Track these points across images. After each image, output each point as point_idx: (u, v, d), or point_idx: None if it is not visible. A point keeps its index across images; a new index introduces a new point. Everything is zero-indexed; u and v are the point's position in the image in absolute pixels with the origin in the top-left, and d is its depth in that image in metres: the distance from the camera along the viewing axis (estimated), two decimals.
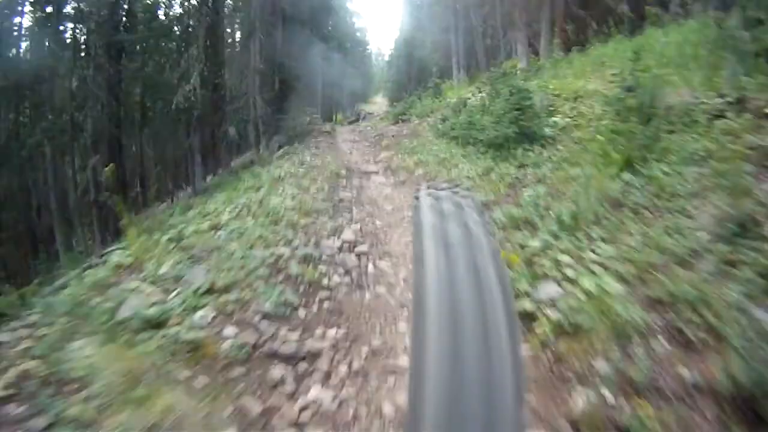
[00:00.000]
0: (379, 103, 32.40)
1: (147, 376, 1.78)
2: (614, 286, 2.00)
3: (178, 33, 14.02)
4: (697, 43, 4.83)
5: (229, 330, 2.24)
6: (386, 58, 43.77)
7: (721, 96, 3.45)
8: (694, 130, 3.25)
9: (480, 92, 8.47)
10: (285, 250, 3.22)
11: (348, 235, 3.83)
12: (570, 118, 5.22)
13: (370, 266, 3.31)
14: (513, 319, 0.56)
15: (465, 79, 15.65)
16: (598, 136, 3.87)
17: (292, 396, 1.95)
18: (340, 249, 3.55)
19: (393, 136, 9.16)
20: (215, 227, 3.82)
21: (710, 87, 3.73)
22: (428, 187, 0.88)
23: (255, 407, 1.82)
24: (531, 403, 1.61)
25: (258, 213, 4.12)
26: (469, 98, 8.51)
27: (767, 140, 2.64)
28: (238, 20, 15.76)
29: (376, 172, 6.46)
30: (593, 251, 2.40)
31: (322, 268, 3.15)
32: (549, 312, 2.07)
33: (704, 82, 3.89)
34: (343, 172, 6.33)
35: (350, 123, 19.61)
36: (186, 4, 13.81)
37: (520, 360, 0.53)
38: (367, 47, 40.93)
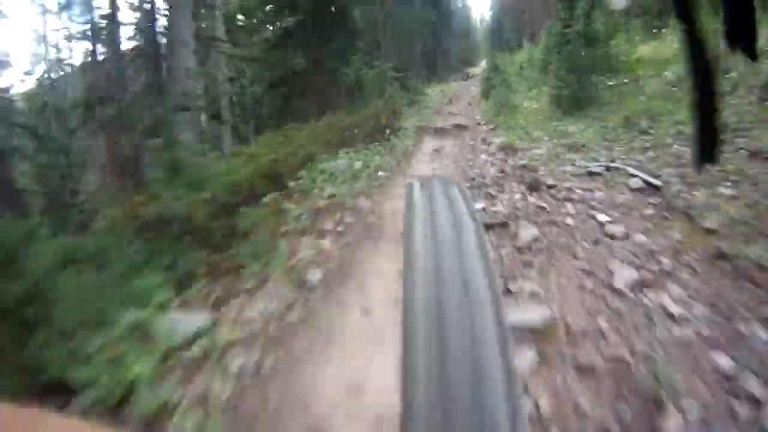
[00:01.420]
0: (483, 66, 43.73)
1: None
2: None
3: None
4: None
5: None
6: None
7: None
8: None
9: None
10: (450, 92, 18.29)
11: (454, 91, 18.73)
12: None
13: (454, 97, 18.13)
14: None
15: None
16: None
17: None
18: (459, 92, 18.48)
19: None
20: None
21: None
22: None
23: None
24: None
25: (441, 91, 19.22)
26: None
27: None
28: None
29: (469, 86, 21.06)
30: None
31: (454, 93, 18.11)
32: None
33: None
34: (462, 86, 21.10)
35: (463, 80, 33.49)
36: None
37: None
38: (471, 16, 52.01)
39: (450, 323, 0.65)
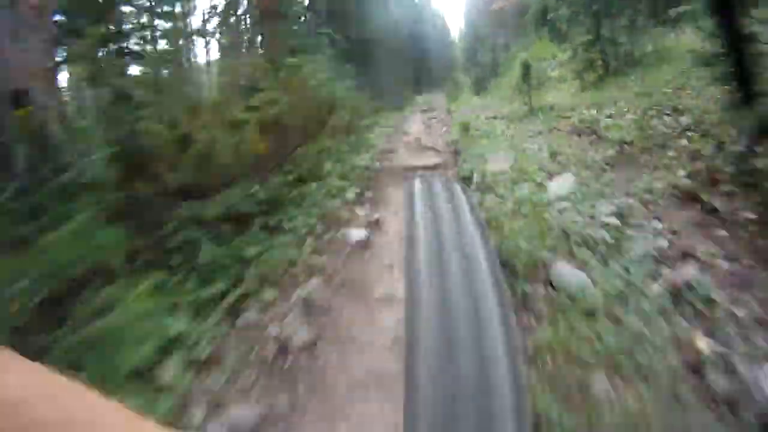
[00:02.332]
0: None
1: None
2: None
3: None
4: None
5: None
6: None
7: None
8: None
9: None
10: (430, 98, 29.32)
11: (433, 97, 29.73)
12: None
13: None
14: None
15: None
16: None
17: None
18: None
19: None
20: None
21: None
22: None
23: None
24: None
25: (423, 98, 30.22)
26: None
27: None
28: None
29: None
30: None
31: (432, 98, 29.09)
32: None
33: None
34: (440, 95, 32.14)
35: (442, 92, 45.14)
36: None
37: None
38: (451, 36, 64.23)
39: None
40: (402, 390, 2.03)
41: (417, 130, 11.17)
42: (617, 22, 9.39)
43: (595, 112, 6.91)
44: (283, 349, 2.36)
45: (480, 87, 18.80)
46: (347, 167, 5.25)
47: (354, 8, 17.03)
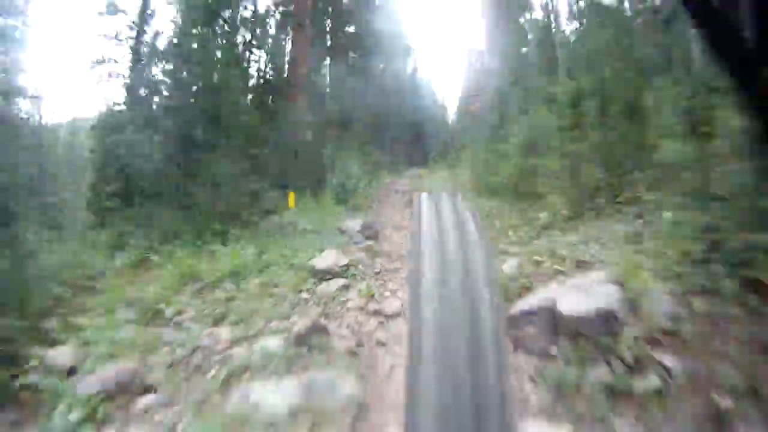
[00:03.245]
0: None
1: None
2: None
3: None
4: None
5: None
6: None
7: None
8: None
9: None
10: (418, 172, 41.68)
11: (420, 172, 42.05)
12: None
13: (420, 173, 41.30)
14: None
15: None
16: None
17: None
18: None
19: None
20: None
21: None
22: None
23: None
24: None
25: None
26: None
27: None
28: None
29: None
30: None
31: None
32: None
33: None
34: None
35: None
36: None
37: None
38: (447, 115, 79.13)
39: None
40: None
41: (403, 182, 22.56)
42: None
43: (470, 172, 18.43)
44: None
45: (449, 165, 30.86)
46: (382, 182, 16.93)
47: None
